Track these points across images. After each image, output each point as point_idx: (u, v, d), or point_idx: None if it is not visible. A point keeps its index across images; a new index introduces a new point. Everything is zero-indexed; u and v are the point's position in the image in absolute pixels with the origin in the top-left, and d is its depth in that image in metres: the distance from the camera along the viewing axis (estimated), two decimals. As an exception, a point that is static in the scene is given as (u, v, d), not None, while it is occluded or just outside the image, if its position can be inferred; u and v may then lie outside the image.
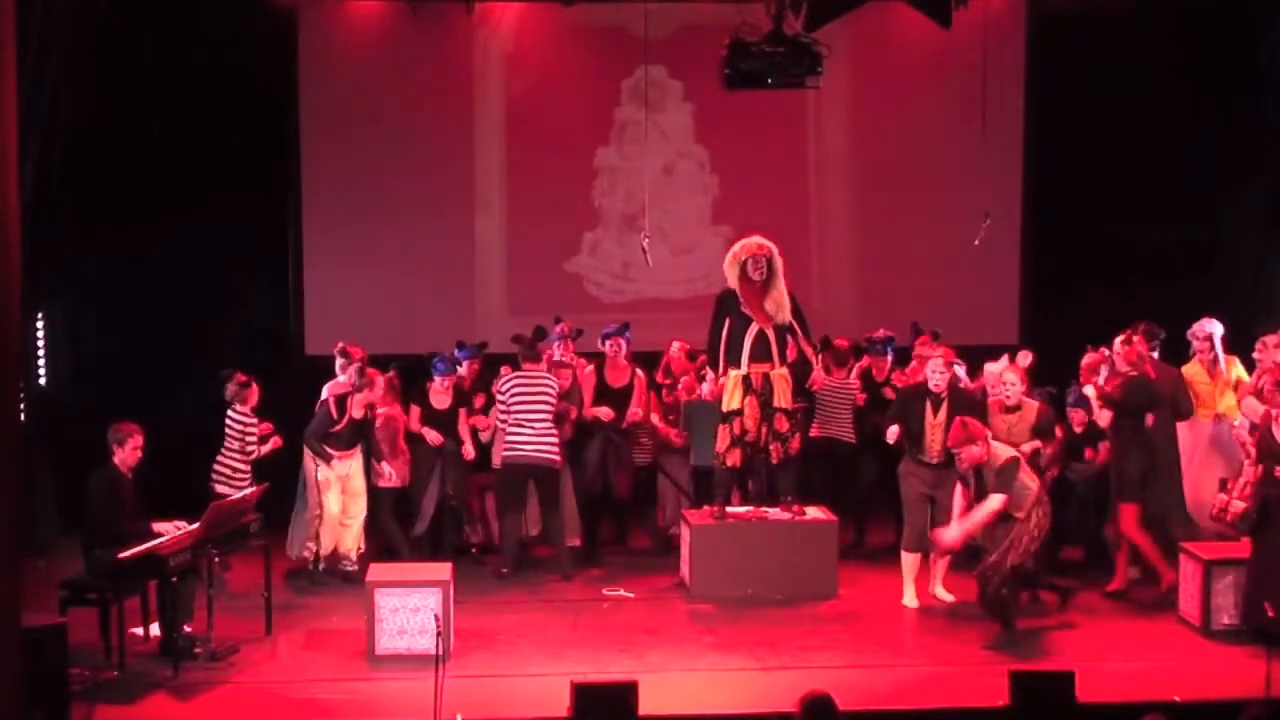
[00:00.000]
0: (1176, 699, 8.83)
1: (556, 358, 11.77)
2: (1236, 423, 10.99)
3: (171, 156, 12.85)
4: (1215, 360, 11.35)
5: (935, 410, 10.73)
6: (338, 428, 11.25)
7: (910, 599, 10.82)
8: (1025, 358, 11.50)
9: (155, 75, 12.70)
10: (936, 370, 10.80)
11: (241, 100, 12.88)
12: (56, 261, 12.26)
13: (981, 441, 9.84)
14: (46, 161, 11.67)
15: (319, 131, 13.29)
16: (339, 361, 11.50)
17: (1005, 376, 10.95)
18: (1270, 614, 9.12)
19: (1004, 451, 9.92)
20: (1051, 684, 8.48)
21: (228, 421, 11.15)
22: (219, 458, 11.14)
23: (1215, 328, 11.39)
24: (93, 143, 12.47)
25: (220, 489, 10.96)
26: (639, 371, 11.96)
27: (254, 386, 11.24)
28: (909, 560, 10.86)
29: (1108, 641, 10.08)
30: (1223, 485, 10.54)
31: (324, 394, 11.39)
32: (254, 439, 11.19)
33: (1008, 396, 10.83)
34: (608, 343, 11.95)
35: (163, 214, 12.85)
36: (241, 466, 11.14)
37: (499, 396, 11.50)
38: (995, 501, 9.76)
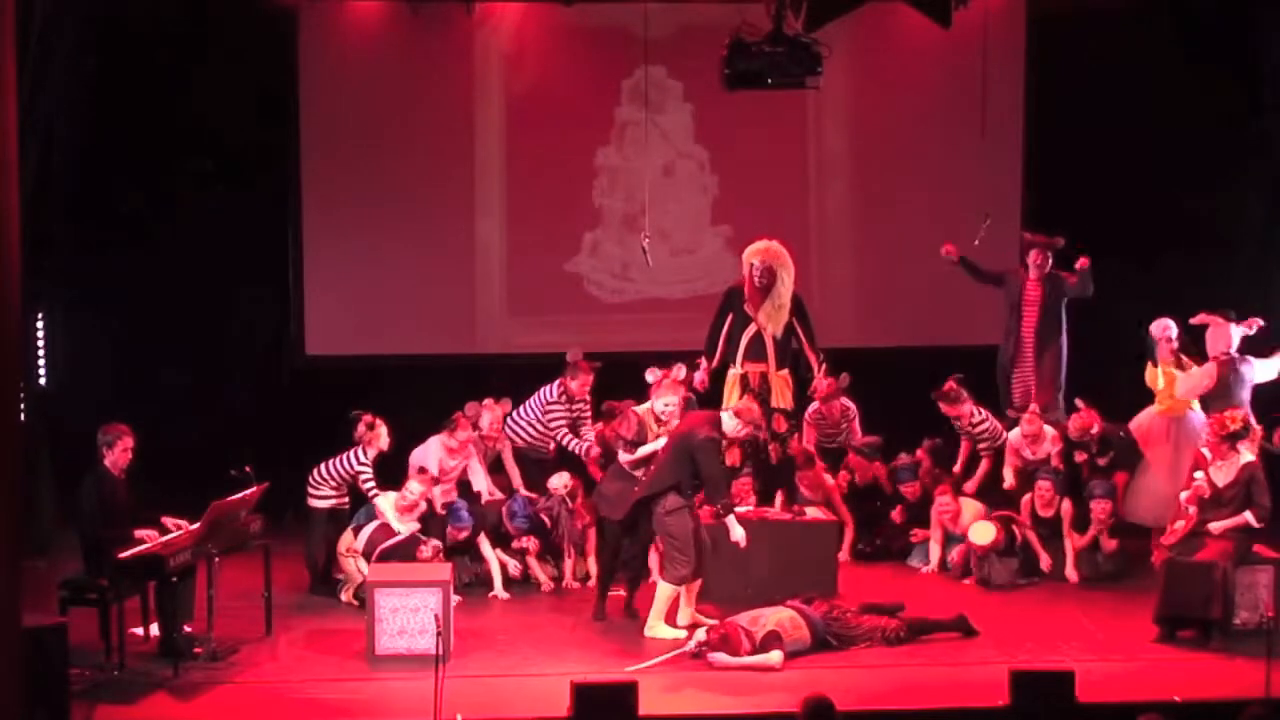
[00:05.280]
0: (1176, 699, 8.84)
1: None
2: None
3: (171, 156, 12.86)
4: (1178, 354, 11.60)
5: None
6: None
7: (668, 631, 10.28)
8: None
9: (155, 75, 12.70)
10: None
11: (241, 101, 12.87)
12: (56, 261, 12.25)
13: None
14: (46, 162, 11.66)
15: (319, 131, 13.25)
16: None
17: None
18: (1270, 614, 9.14)
19: None
20: (1051, 684, 8.50)
21: (348, 460, 11.05)
22: (319, 469, 11.13)
23: (1173, 326, 11.70)
24: (93, 142, 12.48)
25: (315, 502, 11.11)
26: None
27: (380, 428, 11.04)
28: (671, 592, 10.37)
29: (1108, 641, 10.09)
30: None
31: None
32: (367, 480, 11.00)
33: None
34: None
35: (163, 214, 12.84)
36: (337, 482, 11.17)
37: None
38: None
